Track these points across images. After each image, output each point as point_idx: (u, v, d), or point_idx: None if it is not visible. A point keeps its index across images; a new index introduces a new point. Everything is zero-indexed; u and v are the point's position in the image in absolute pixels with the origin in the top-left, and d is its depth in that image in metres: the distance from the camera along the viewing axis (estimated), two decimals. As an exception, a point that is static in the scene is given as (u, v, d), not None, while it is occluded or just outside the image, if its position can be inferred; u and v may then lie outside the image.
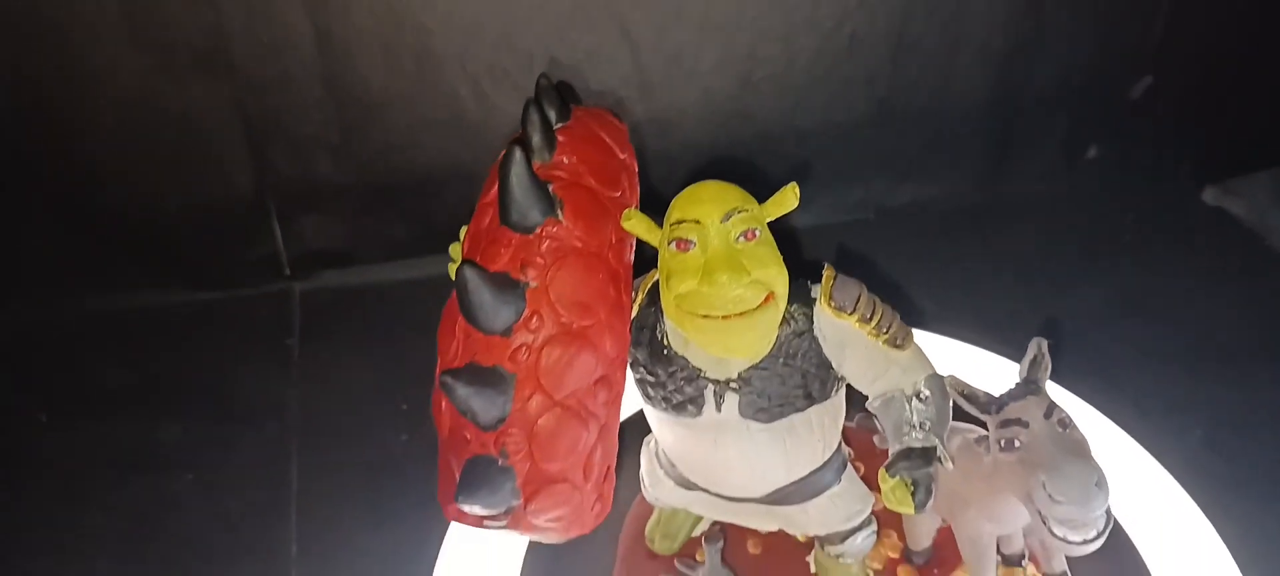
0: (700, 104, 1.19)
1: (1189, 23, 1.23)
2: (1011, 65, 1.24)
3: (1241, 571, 0.83)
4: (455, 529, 0.87)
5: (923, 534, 0.83)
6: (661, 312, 0.67)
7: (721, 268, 0.59)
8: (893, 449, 0.66)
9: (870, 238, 1.29)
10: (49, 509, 0.99)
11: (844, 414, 0.73)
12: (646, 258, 0.69)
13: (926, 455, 0.64)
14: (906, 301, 1.14)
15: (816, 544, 0.81)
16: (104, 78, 1.06)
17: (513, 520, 0.61)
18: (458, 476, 0.59)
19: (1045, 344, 0.70)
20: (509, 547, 0.89)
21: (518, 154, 0.60)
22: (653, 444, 0.79)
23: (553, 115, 0.70)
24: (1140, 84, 1.27)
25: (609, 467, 0.65)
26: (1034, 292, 1.21)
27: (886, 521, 0.86)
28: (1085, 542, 0.63)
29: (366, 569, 0.91)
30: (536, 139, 0.66)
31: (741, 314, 0.61)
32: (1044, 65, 1.25)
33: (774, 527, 0.78)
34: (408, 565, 0.87)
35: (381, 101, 1.12)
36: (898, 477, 0.63)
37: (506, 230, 0.61)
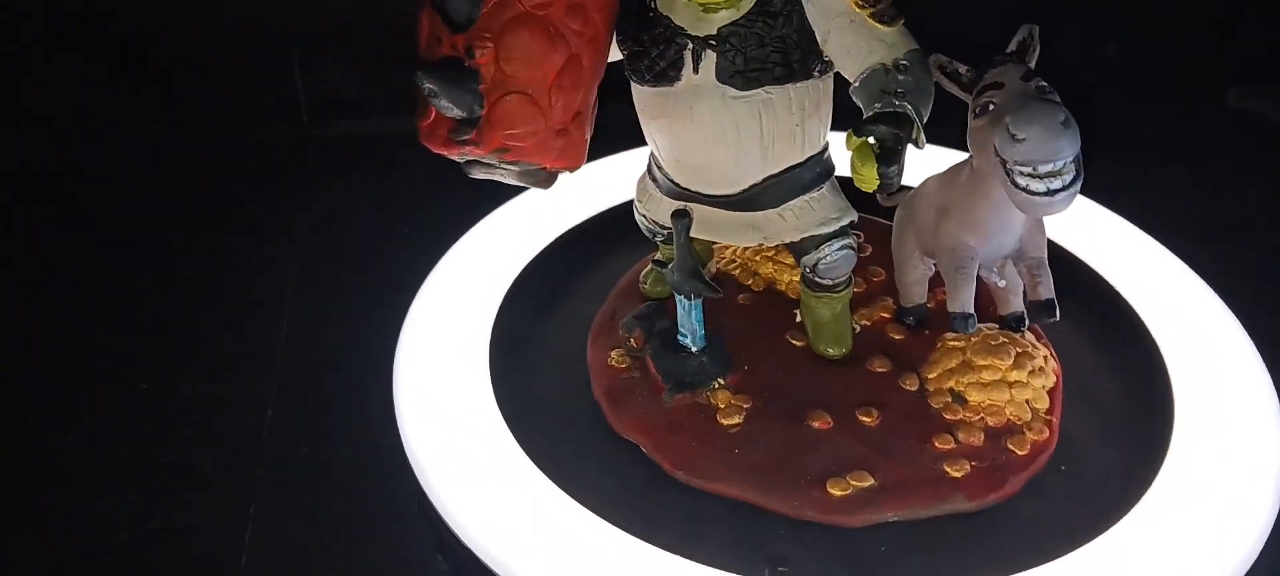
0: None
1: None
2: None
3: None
4: (421, 304, 0.89)
5: (913, 287, 0.81)
6: None
7: None
8: (866, 114, 0.64)
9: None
10: (57, 291, 1.03)
11: (827, 113, 0.72)
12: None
13: (897, 120, 0.62)
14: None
15: (801, 281, 0.80)
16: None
17: (479, 133, 0.61)
18: None
19: (1036, 29, 0.69)
20: (491, 293, 0.90)
21: None
22: (646, 160, 0.80)
23: None
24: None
25: (578, 113, 0.65)
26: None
27: (881, 288, 0.86)
28: (1050, 194, 0.61)
29: (348, 341, 0.92)
30: None
31: None
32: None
33: (754, 241, 0.77)
34: (384, 339, 0.87)
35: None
36: (864, 138, 0.62)
37: None
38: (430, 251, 0.96)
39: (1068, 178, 0.61)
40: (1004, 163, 0.61)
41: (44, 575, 0.74)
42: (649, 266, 0.88)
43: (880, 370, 0.79)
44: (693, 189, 0.75)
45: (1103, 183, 0.96)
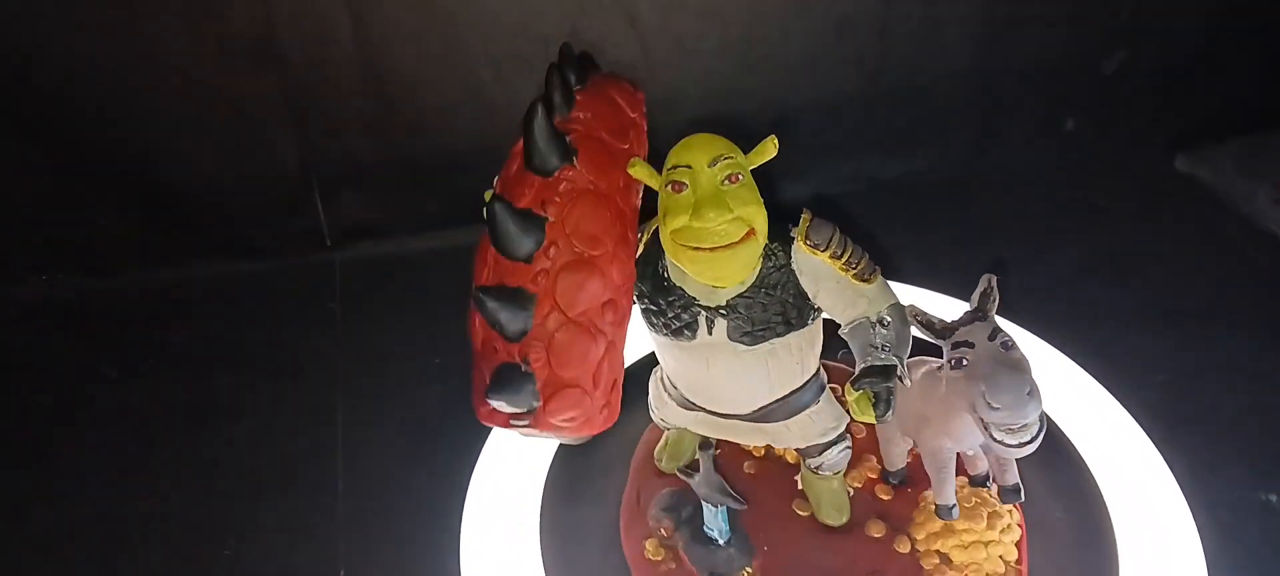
0: (701, 83, 1.29)
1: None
2: (990, 45, 1.34)
3: (1188, 505, 0.91)
4: (482, 466, 0.98)
5: (896, 456, 0.93)
6: (663, 250, 0.75)
7: (708, 205, 0.68)
8: (859, 367, 0.75)
9: (863, 207, 1.39)
10: (123, 453, 1.11)
11: (820, 342, 0.82)
12: (649, 207, 0.79)
13: (886, 372, 0.73)
14: (896, 264, 1.21)
15: (801, 460, 0.92)
16: (168, 68, 1.19)
17: (534, 420, 0.70)
18: (488, 381, 0.68)
19: (994, 279, 0.77)
20: (531, 479, 0.99)
21: (540, 109, 0.69)
22: (658, 373, 0.89)
23: (573, 78, 0.78)
24: (1114, 58, 1.37)
25: (615, 380, 0.74)
26: (1015, 255, 1.30)
27: (866, 447, 0.97)
28: (1022, 445, 0.71)
29: (403, 501, 1.01)
30: (557, 97, 0.75)
31: (726, 246, 0.69)
32: (1022, 44, 1.35)
33: (762, 443, 0.88)
34: (440, 498, 0.97)
35: (412, 84, 1.24)
36: (861, 391, 0.72)
37: (530, 174, 0.70)
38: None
39: (1034, 431, 0.71)
40: (982, 421, 0.72)
41: None
42: (661, 442, 0.96)
43: (876, 535, 0.89)
44: (705, 406, 0.85)
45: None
